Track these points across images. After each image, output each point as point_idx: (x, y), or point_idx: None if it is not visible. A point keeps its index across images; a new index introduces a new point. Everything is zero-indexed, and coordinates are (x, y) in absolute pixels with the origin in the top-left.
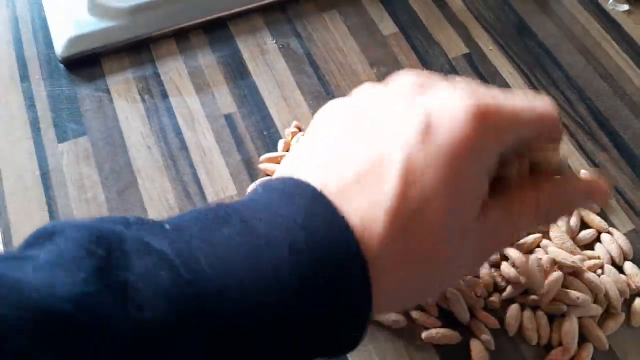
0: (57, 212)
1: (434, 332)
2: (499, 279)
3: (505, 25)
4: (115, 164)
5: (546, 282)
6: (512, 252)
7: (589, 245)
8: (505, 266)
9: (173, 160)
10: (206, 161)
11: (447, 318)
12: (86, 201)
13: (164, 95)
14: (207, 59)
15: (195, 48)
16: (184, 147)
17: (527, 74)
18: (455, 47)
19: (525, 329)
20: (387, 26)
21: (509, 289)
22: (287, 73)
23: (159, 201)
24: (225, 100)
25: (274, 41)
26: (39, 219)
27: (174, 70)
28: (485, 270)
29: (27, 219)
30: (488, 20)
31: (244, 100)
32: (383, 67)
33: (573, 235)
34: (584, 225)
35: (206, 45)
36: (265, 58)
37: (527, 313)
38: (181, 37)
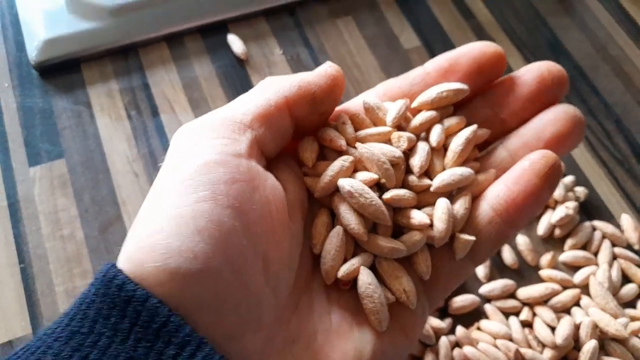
0: (28, 251)
1: None
2: (534, 343)
3: (538, 42)
4: (97, 193)
5: (582, 352)
6: (544, 313)
7: (631, 303)
8: (540, 327)
9: None
10: None
11: None
12: (62, 239)
13: (154, 112)
14: (204, 69)
15: (191, 56)
16: None
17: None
18: None
19: None
20: (409, 39)
21: (546, 353)
22: None
23: None
24: None
25: (282, 52)
26: (4, 259)
27: (165, 82)
28: (517, 330)
29: None
30: (519, 35)
31: None
32: None
33: (615, 291)
34: (625, 278)
35: (204, 53)
36: (272, 71)
37: None
38: (175, 42)
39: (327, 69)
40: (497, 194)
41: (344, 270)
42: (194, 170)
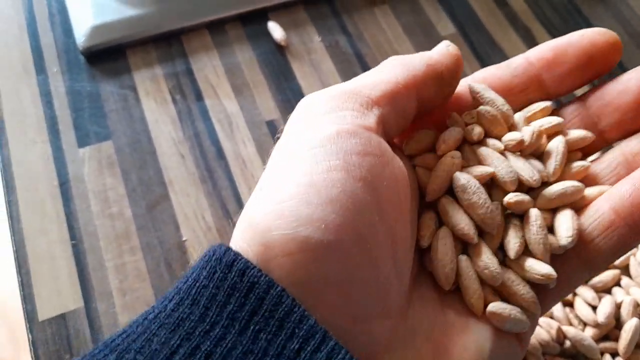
0: (79, 228)
1: None
2: (575, 321)
3: (572, 29)
4: (144, 173)
5: (624, 330)
6: (585, 292)
7: None
8: (581, 305)
9: (209, 171)
10: (247, 174)
11: None
12: (111, 217)
13: (198, 96)
14: (245, 56)
15: (233, 42)
16: (221, 156)
17: (595, 84)
18: (519, 53)
19: None
20: (445, 26)
21: (587, 331)
22: (335, 75)
23: (194, 219)
24: (267, 104)
25: (320, 39)
26: (56, 236)
27: (209, 67)
28: (558, 308)
29: (44, 236)
30: (554, 23)
31: (288, 105)
32: None
33: None
34: None
35: (244, 40)
36: (311, 58)
37: None
38: (216, 29)
39: (448, 48)
40: (623, 194)
41: (478, 305)
42: (324, 138)
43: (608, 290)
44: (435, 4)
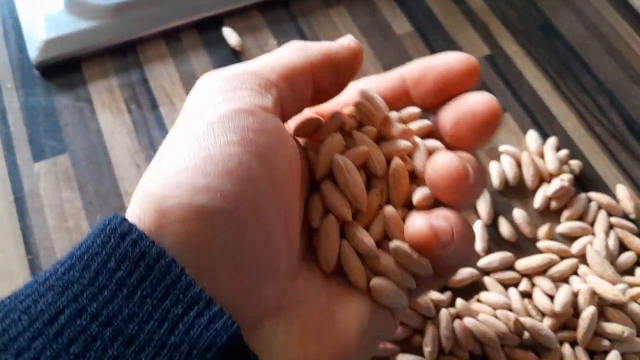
0: (35, 243)
1: None
2: (533, 312)
3: (530, 25)
4: (101, 186)
5: (581, 319)
6: (543, 282)
7: (629, 271)
8: (539, 296)
9: None
10: None
11: None
12: (67, 230)
13: (154, 105)
14: (201, 63)
15: (188, 50)
16: None
17: (553, 77)
18: (476, 48)
19: None
20: (401, 24)
21: (546, 321)
22: None
23: None
24: None
25: (276, 42)
26: (13, 252)
27: (164, 76)
28: (517, 300)
29: (1, 252)
30: (511, 18)
31: None
32: None
33: (612, 259)
34: (622, 247)
35: (200, 47)
36: None
37: (567, 350)
38: (171, 38)
39: (350, 43)
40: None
41: (362, 282)
42: (223, 115)
43: (566, 280)
44: (391, 3)
